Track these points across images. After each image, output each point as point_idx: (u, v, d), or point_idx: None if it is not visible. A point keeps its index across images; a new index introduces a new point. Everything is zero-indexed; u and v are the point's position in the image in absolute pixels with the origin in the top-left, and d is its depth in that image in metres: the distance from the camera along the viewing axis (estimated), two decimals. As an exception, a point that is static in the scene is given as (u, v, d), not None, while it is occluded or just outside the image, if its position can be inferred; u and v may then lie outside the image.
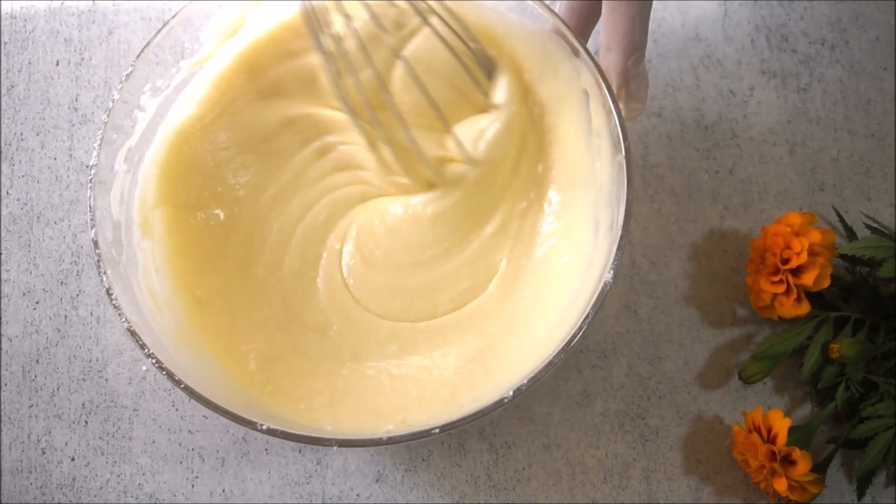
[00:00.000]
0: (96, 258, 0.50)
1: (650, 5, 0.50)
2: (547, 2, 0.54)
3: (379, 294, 0.56)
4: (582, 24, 0.54)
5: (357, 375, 0.55)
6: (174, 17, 0.54)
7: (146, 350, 0.48)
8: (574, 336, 0.48)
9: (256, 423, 0.46)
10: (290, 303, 0.56)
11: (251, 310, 0.56)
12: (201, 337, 0.54)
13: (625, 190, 0.50)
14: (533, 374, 0.47)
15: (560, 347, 0.48)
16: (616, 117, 0.51)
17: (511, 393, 0.47)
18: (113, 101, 0.52)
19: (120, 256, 0.52)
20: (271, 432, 0.46)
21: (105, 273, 0.50)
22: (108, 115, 0.52)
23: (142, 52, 0.53)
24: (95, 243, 0.50)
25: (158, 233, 0.55)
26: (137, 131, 0.55)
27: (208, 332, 0.54)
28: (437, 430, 0.47)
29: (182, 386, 0.47)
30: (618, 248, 0.49)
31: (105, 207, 0.52)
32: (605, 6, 0.50)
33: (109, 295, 0.49)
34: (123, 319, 0.49)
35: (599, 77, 0.52)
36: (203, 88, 0.57)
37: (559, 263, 0.56)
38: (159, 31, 0.54)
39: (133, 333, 0.48)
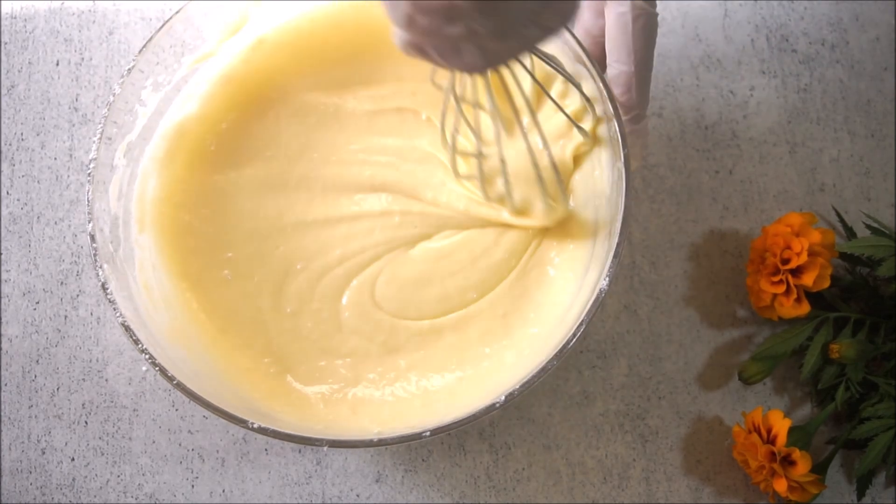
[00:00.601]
0: (93, 251, 0.50)
1: (649, 71, 0.51)
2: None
3: (380, 294, 0.56)
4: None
5: (351, 375, 0.55)
6: (176, 13, 0.54)
7: (140, 345, 0.48)
8: (568, 342, 0.48)
9: (248, 421, 0.46)
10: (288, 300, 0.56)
11: (248, 306, 0.56)
12: (197, 333, 0.54)
13: (623, 197, 0.50)
14: (526, 380, 0.47)
15: (554, 353, 0.48)
16: (616, 125, 0.51)
17: (503, 397, 0.47)
18: (114, 95, 0.52)
19: (117, 251, 0.52)
20: (262, 431, 0.46)
21: (101, 267, 0.50)
22: (108, 109, 0.52)
23: (144, 46, 0.53)
24: (92, 237, 0.50)
25: (157, 228, 0.55)
26: (138, 126, 0.55)
27: (204, 328, 0.55)
28: (427, 433, 0.47)
29: (174, 382, 0.47)
30: (614, 256, 0.49)
31: (103, 202, 0.52)
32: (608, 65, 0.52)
33: (105, 290, 0.49)
34: (118, 314, 0.49)
35: (601, 84, 0.52)
36: (205, 85, 0.57)
37: (557, 268, 0.56)
38: (161, 27, 0.54)
39: (127, 328, 0.48)
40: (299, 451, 0.59)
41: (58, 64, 0.66)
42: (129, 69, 0.53)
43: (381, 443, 0.47)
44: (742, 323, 0.62)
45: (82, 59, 0.66)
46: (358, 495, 0.59)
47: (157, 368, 0.48)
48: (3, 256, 0.63)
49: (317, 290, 0.56)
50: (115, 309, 0.49)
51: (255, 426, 0.46)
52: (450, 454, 0.60)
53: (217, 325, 0.55)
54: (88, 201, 0.51)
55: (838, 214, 0.63)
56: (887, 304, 0.59)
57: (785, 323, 0.61)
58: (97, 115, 0.65)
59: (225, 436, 0.59)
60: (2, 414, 0.60)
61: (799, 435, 0.56)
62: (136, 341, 0.48)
